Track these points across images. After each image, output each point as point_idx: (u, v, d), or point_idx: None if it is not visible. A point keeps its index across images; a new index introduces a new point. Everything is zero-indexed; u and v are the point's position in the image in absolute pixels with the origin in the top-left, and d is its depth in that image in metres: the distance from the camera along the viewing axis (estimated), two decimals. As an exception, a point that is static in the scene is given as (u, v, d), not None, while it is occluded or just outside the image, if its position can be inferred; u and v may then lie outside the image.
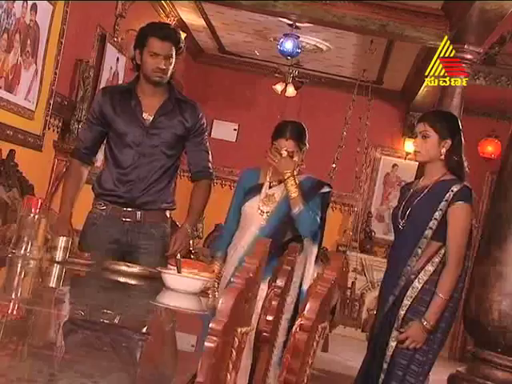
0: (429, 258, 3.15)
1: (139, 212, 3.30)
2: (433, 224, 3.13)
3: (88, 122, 3.46)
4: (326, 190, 3.42)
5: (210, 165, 3.44)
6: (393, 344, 3.13)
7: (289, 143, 3.43)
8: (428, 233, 3.13)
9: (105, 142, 3.39)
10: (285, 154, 3.37)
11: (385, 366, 3.14)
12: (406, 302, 3.14)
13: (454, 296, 3.15)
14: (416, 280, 3.13)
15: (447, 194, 3.12)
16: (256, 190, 3.44)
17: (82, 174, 3.39)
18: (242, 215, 3.44)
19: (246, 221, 3.42)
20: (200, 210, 3.44)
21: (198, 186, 3.43)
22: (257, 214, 3.38)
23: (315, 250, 3.40)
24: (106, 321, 2.09)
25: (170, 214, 3.45)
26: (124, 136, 3.28)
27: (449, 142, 3.18)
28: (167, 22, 7.29)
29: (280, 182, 3.43)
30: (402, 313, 3.14)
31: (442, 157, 3.19)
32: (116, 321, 2.13)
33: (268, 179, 3.46)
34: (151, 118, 3.29)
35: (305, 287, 3.29)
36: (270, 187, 3.44)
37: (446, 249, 3.14)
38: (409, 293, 3.14)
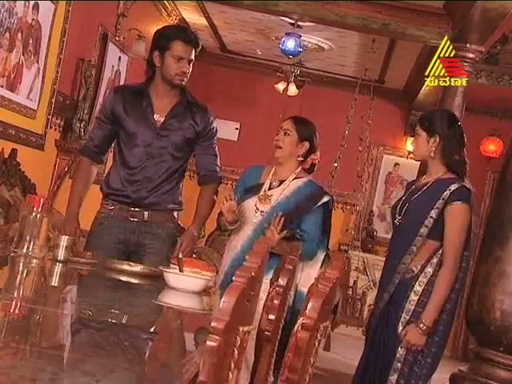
0: (427, 259, 3.13)
1: (146, 212, 3.30)
2: (428, 222, 3.12)
3: (99, 120, 3.44)
4: (325, 200, 3.33)
5: (217, 169, 3.43)
6: (401, 351, 3.13)
7: (286, 122, 3.45)
8: (423, 231, 3.13)
9: (116, 144, 3.38)
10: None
11: (398, 365, 3.13)
12: (410, 306, 3.12)
13: (452, 297, 3.14)
14: (417, 283, 3.12)
15: (444, 193, 3.11)
16: (255, 189, 3.40)
17: (91, 173, 3.39)
18: (240, 213, 3.41)
19: (242, 219, 3.40)
20: (207, 214, 3.42)
21: (205, 189, 3.42)
22: (252, 213, 3.35)
23: (321, 256, 3.35)
24: (107, 320, 2.09)
25: (177, 215, 3.45)
26: (134, 136, 3.28)
27: (436, 138, 3.17)
28: (169, 21, 7.29)
29: (281, 182, 3.39)
30: (406, 318, 3.13)
31: (432, 154, 3.18)
32: (118, 320, 2.14)
33: (269, 178, 3.43)
34: (162, 120, 3.29)
35: (304, 289, 3.22)
36: (270, 188, 3.40)
37: (443, 249, 3.13)
38: (411, 297, 3.12)
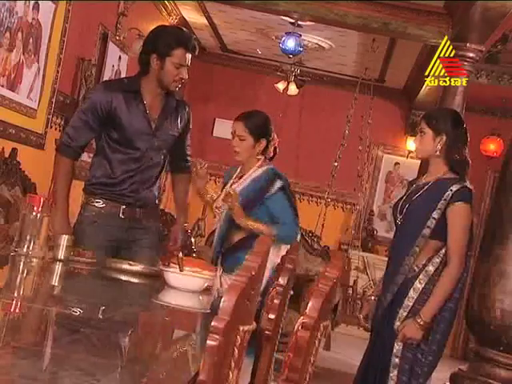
0: (429, 258, 3.14)
1: (139, 209, 3.32)
2: (431, 223, 3.12)
3: (85, 120, 3.30)
4: (278, 185, 3.36)
5: (189, 158, 3.58)
6: (397, 346, 3.13)
7: (239, 127, 3.44)
8: (426, 232, 3.13)
9: (103, 141, 3.34)
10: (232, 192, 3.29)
11: (397, 360, 3.14)
12: (408, 303, 3.13)
13: (454, 296, 3.14)
14: (417, 281, 3.13)
15: (446, 194, 3.11)
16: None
17: (72, 171, 3.36)
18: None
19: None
20: (186, 202, 3.58)
21: (180, 179, 3.56)
22: (217, 213, 3.50)
23: (297, 238, 3.47)
24: (107, 319, 2.10)
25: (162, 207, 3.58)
26: (132, 138, 3.26)
27: (443, 137, 3.18)
28: (169, 20, 7.29)
29: (240, 178, 3.48)
30: (404, 314, 3.13)
31: (438, 153, 3.19)
32: (118, 319, 2.14)
33: (234, 176, 3.52)
34: (156, 121, 3.30)
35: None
36: (232, 185, 3.47)
37: (446, 249, 3.13)
38: (410, 294, 3.13)
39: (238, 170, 3.54)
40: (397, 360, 3.13)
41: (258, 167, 3.46)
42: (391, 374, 3.14)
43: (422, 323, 3.07)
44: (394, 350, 3.13)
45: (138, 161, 3.29)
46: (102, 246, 3.23)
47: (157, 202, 3.47)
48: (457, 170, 3.19)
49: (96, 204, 3.31)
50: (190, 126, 3.53)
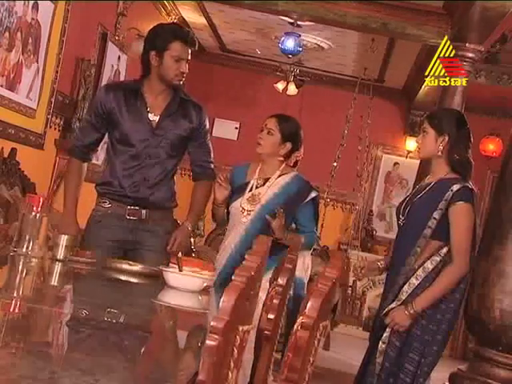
0: (429, 255, 3.15)
1: (144, 211, 3.31)
2: (432, 223, 3.12)
3: (89, 120, 3.41)
4: (313, 195, 3.45)
5: (212, 165, 3.48)
6: (386, 333, 3.15)
7: (271, 121, 3.47)
8: (427, 232, 3.13)
9: (108, 140, 3.38)
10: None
11: (383, 346, 3.15)
12: (401, 296, 3.15)
13: (456, 297, 3.15)
14: (413, 276, 3.14)
15: (446, 194, 3.11)
16: (242, 189, 3.46)
17: (82, 173, 3.39)
18: (230, 215, 3.48)
19: (232, 221, 3.47)
20: (201, 209, 3.49)
21: (199, 185, 3.46)
22: (240, 214, 3.41)
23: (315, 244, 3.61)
24: (107, 319, 2.10)
25: (172, 212, 3.47)
26: (130, 136, 3.27)
27: (445, 137, 3.18)
28: (169, 20, 7.29)
29: (266, 181, 3.44)
30: (393, 305, 3.14)
31: (440, 153, 3.19)
32: (118, 319, 2.14)
33: (256, 176, 3.47)
34: (157, 119, 3.29)
35: (299, 275, 3.38)
36: (257, 187, 3.44)
37: (450, 249, 3.12)
38: (405, 288, 3.14)
39: (258, 171, 3.49)
40: (383, 346, 3.15)
41: (283, 172, 3.46)
42: (377, 360, 3.16)
43: (412, 312, 3.09)
44: (382, 337, 3.15)
45: (136, 158, 3.28)
46: (104, 246, 3.23)
47: (166, 204, 3.38)
48: (459, 171, 3.19)
49: (103, 204, 3.34)
50: (206, 129, 3.43)
